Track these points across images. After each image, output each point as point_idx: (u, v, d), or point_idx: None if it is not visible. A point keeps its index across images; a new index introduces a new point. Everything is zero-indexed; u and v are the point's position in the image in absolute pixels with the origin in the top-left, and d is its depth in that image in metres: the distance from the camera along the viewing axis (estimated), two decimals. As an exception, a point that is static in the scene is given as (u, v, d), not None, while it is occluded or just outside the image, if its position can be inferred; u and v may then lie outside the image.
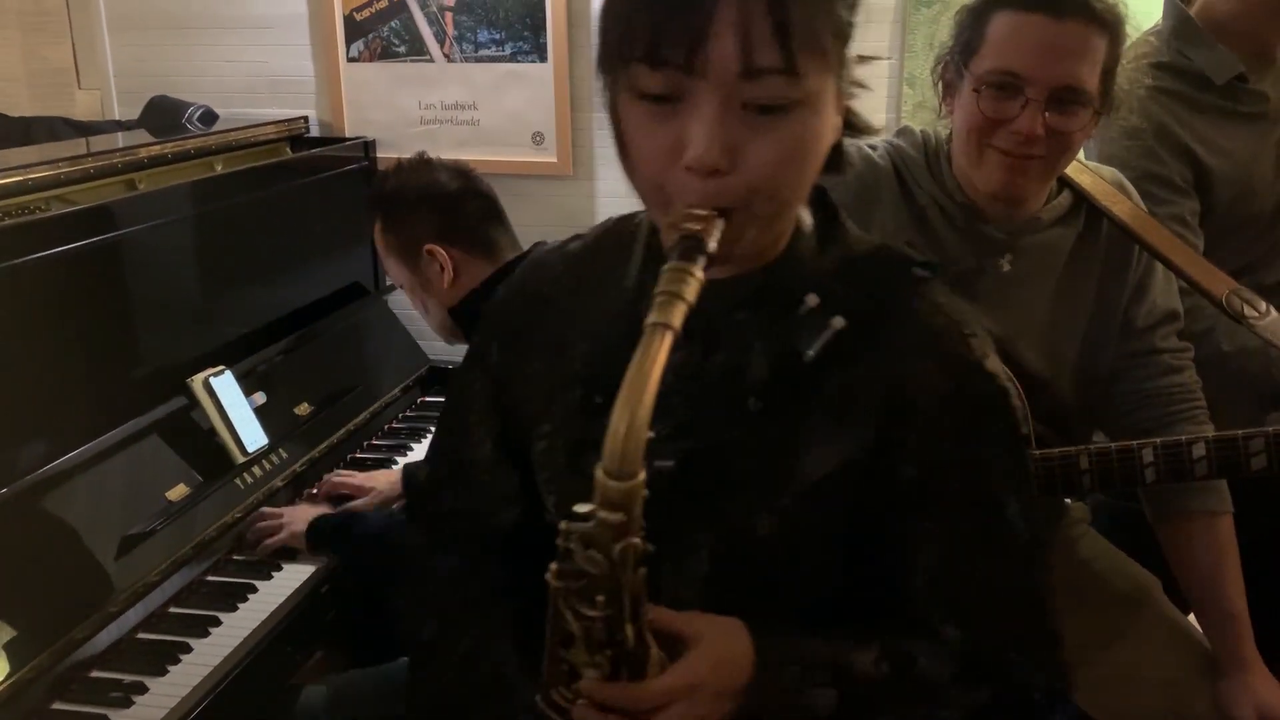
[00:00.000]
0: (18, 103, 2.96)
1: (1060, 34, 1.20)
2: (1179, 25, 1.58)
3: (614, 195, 2.68)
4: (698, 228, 0.73)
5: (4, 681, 1.39)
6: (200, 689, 1.51)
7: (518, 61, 2.68)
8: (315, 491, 2.04)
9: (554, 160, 2.70)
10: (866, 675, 0.84)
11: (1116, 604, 1.44)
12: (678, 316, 0.69)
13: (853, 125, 0.85)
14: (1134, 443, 1.32)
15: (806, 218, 0.88)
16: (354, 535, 1.80)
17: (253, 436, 1.95)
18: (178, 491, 1.79)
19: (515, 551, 0.98)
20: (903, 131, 1.45)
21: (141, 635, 1.61)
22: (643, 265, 0.89)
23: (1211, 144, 1.54)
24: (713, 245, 0.73)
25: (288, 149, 2.61)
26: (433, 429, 2.35)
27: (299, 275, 2.36)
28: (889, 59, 2.56)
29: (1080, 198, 1.39)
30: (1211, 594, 1.38)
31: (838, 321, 0.83)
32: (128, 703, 1.47)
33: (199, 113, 2.62)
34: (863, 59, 0.82)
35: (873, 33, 2.56)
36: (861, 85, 0.84)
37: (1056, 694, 0.90)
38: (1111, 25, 1.23)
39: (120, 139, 2.41)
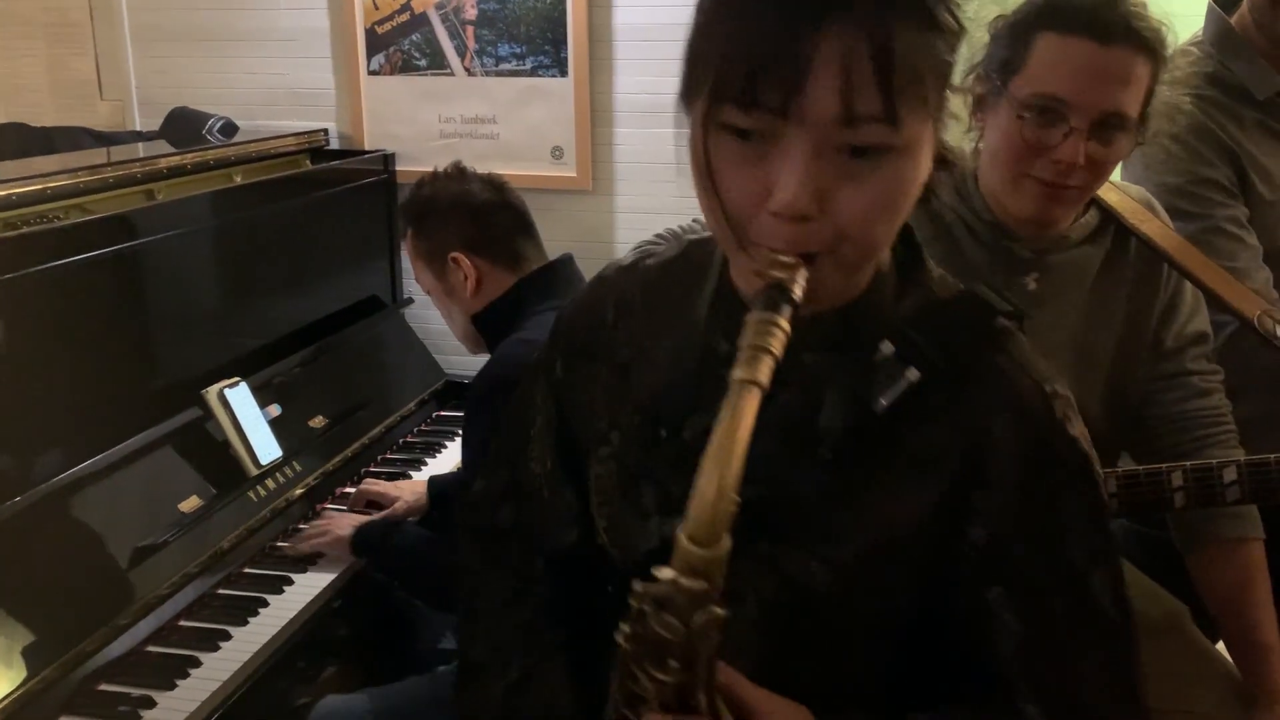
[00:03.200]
0: (41, 112, 2.98)
1: (1107, 60, 1.18)
2: (1220, 36, 1.56)
3: (633, 211, 2.67)
4: (782, 275, 0.70)
5: (13, 692, 1.38)
6: (209, 704, 1.50)
7: (538, 76, 2.68)
8: (348, 492, 2.09)
9: (573, 175, 2.69)
10: None
11: (1144, 632, 1.39)
12: (765, 372, 0.66)
13: (943, 160, 0.81)
14: (1163, 466, 1.29)
15: (887, 257, 0.83)
16: (392, 544, 1.82)
17: (267, 449, 1.94)
18: (190, 503, 1.78)
19: (569, 572, 0.96)
20: (927, 148, 1.43)
21: (151, 648, 1.60)
22: (714, 297, 0.86)
23: (1252, 159, 1.52)
24: (798, 293, 0.70)
25: (307, 161, 2.61)
26: (448, 443, 2.35)
27: (316, 287, 2.36)
28: (912, 76, 2.54)
29: (1108, 216, 1.37)
30: (1242, 623, 1.35)
31: (912, 374, 0.79)
32: (135, 717, 1.45)
33: (219, 124, 2.63)
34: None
35: (895, 49, 2.55)
36: (954, 116, 0.82)
37: None
38: (1156, 50, 1.21)
39: (140, 149, 2.41)
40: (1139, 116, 1.22)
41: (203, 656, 1.58)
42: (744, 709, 0.77)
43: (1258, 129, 1.53)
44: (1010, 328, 0.83)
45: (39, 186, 1.77)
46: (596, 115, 2.66)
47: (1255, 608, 1.35)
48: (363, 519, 1.91)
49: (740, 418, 0.65)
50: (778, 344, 0.67)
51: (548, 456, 0.96)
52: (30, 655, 1.43)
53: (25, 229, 1.70)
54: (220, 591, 1.76)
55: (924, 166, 0.74)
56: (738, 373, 0.66)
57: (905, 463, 0.80)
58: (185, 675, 1.54)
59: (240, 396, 1.94)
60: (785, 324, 0.68)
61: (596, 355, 0.92)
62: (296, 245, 2.30)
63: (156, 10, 2.94)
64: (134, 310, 1.86)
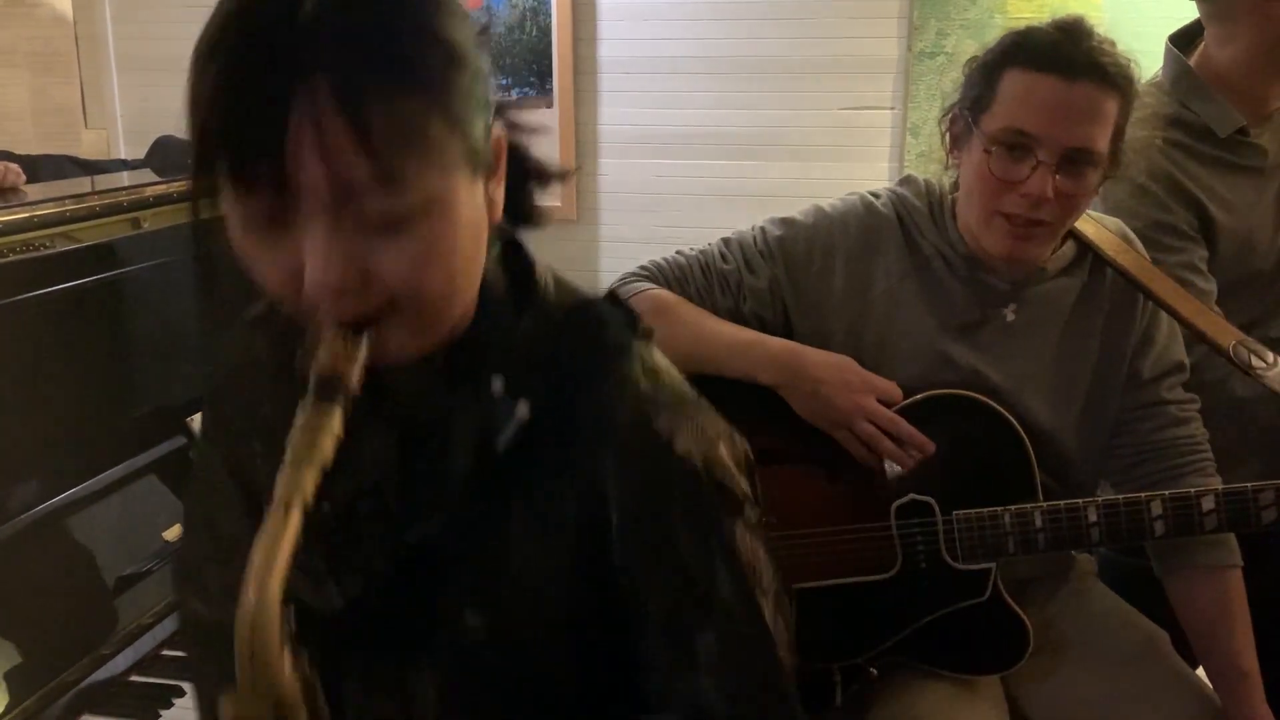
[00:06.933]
0: (25, 141, 2.98)
1: (1072, 95, 1.21)
2: (1180, 77, 1.58)
3: (618, 240, 2.69)
4: (329, 365, 0.66)
5: (-9, 725, 1.37)
6: (191, 735, 1.49)
7: (524, 106, 2.70)
8: None
9: (558, 205, 2.71)
10: None
11: (1125, 658, 1.42)
12: (308, 485, 0.64)
13: (533, 172, 0.82)
14: (1142, 495, 1.31)
15: (500, 279, 0.80)
16: None
17: (251, 477, 1.94)
18: (174, 532, 1.77)
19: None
20: (906, 181, 1.45)
21: (134, 678, 1.59)
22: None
23: (1214, 195, 1.54)
24: (355, 377, 0.67)
25: (292, 190, 2.61)
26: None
27: (301, 316, 2.35)
28: (892, 109, 2.58)
29: (1085, 248, 1.39)
30: (1221, 649, 1.36)
31: (523, 411, 0.77)
32: (117, 748, 1.44)
33: (205, 153, 2.63)
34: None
35: (876, 83, 2.59)
36: (533, 129, 0.81)
37: None
38: (1122, 87, 1.23)
39: (126, 178, 2.41)
40: (1110, 152, 1.25)
41: (186, 686, 1.57)
42: None
43: (1217, 164, 1.55)
44: (621, 343, 0.81)
45: (24, 214, 1.76)
46: (581, 146, 2.69)
47: (1234, 635, 1.36)
48: None
49: (275, 540, 0.63)
50: (327, 444, 0.65)
51: (240, 517, 0.92)
52: (11, 684, 1.41)
53: (11, 257, 1.70)
54: (203, 621, 1.75)
55: (466, 209, 0.69)
56: (278, 487, 0.64)
57: (532, 502, 0.78)
58: (169, 705, 1.53)
59: (225, 425, 1.93)
60: (336, 422, 0.66)
61: (249, 415, 0.90)
62: (282, 274, 2.30)
63: (142, 39, 2.95)
64: (119, 338, 1.85)
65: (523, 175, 0.81)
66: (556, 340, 0.80)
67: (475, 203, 0.71)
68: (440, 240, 0.67)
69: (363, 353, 0.68)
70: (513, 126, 0.78)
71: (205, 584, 0.96)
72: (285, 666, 0.65)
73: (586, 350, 0.80)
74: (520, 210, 0.82)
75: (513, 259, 0.83)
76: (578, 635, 0.82)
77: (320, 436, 0.65)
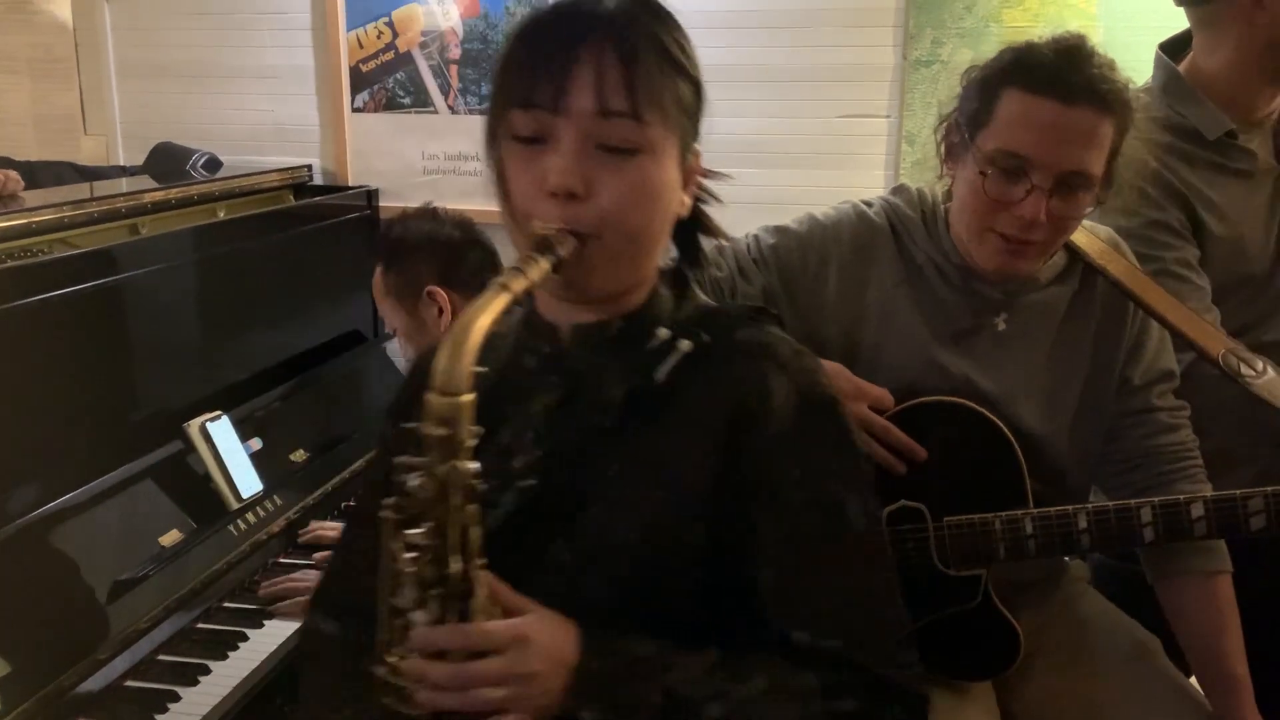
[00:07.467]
0: (24, 147, 2.99)
1: (1070, 119, 1.21)
2: (1169, 82, 1.60)
3: (614, 247, 2.70)
4: (550, 233, 0.84)
5: (-12, 728, 1.37)
6: (187, 739, 1.49)
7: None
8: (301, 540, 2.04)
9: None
10: (696, 681, 0.85)
11: (1117, 664, 1.43)
12: (518, 284, 0.80)
13: (704, 226, 1.00)
14: (1132, 502, 1.31)
15: (667, 286, 0.98)
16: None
17: (248, 482, 1.94)
18: (171, 537, 1.78)
19: None
20: (899, 190, 1.46)
21: (130, 683, 1.59)
22: (525, 318, 0.99)
23: (1204, 198, 1.55)
24: (563, 252, 0.84)
25: (291, 196, 2.63)
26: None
27: (298, 321, 2.37)
28: (887, 117, 2.59)
29: (1076, 256, 1.40)
30: (1211, 655, 1.37)
31: (684, 344, 0.93)
32: (113, 752, 1.45)
33: (203, 159, 2.65)
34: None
35: (872, 91, 2.60)
36: (714, 196, 0.99)
37: (915, 700, 0.90)
38: (1118, 110, 1.24)
39: (124, 184, 2.43)
40: (1103, 173, 1.26)
41: (182, 691, 1.57)
42: (510, 608, 0.84)
43: (1209, 168, 1.57)
44: (762, 321, 0.98)
45: (23, 220, 1.78)
46: (578, 153, 2.70)
47: (1225, 640, 1.37)
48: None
49: (483, 306, 0.79)
50: (536, 272, 0.82)
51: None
52: (7, 689, 1.42)
53: (10, 263, 1.71)
54: (199, 626, 1.75)
55: (669, 174, 0.90)
56: (496, 279, 0.80)
57: (685, 422, 0.91)
58: (164, 710, 1.53)
59: (222, 430, 1.94)
60: (545, 264, 0.83)
61: None
62: (279, 280, 2.31)
63: (141, 46, 2.97)
64: (117, 344, 1.86)
65: (697, 224, 0.99)
66: (711, 312, 0.99)
67: (675, 179, 0.91)
68: (648, 183, 0.88)
69: (571, 244, 0.85)
70: (701, 185, 0.97)
71: (340, 600, 1.03)
72: (466, 401, 0.78)
73: (739, 316, 0.99)
74: (688, 251, 1.00)
75: (677, 275, 1.01)
76: (711, 552, 0.90)
77: (532, 268, 0.82)
